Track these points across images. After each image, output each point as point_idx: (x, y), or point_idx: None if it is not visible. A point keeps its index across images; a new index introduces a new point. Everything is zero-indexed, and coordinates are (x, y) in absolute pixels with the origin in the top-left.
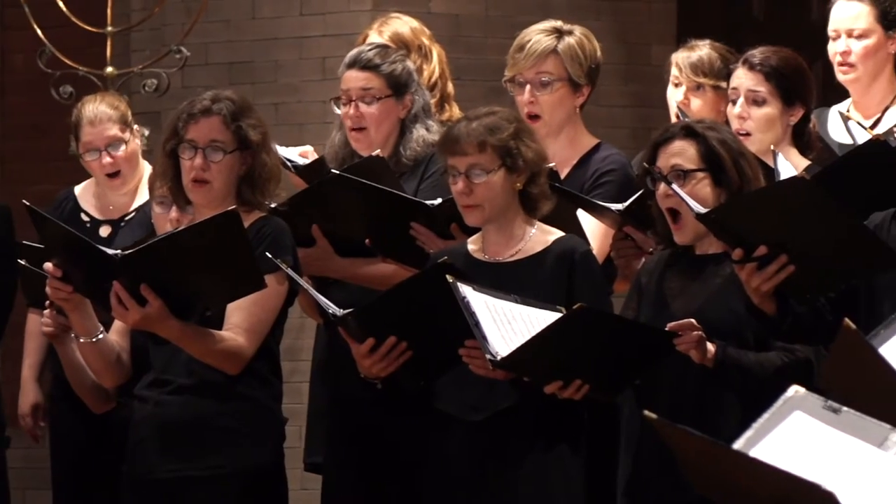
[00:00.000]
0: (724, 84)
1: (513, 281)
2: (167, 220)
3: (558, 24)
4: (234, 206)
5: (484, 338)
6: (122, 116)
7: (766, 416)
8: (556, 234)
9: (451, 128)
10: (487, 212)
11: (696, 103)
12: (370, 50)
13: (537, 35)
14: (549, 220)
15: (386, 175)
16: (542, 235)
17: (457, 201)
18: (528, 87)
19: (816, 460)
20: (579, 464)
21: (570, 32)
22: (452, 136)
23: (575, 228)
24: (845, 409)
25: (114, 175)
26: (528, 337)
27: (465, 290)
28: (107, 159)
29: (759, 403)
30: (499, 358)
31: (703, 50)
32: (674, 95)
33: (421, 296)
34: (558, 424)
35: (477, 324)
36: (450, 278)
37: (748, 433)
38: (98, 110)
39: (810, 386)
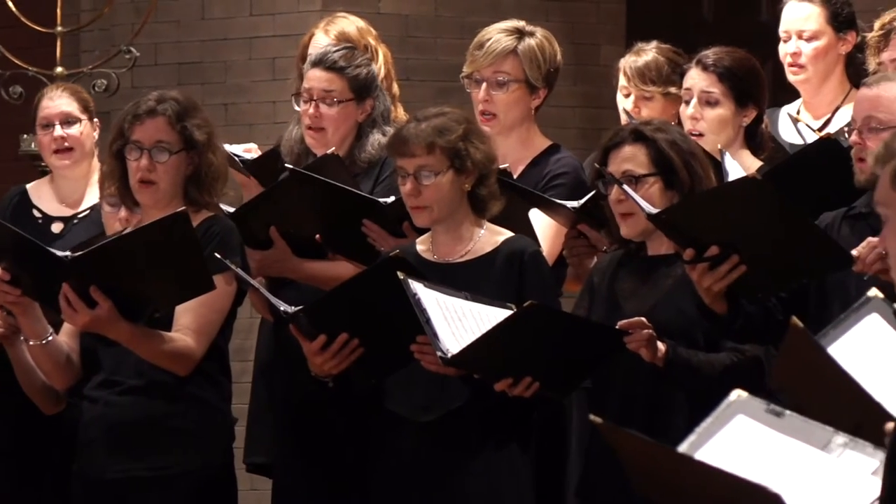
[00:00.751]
0: (673, 89)
1: (462, 282)
2: (116, 220)
3: (521, 24)
4: (183, 208)
5: (435, 335)
6: (83, 100)
7: (709, 419)
8: (506, 234)
9: (400, 129)
10: (436, 213)
11: (646, 112)
12: (336, 51)
13: (498, 34)
14: (500, 221)
15: (341, 173)
16: (491, 236)
17: (405, 202)
18: (484, 85)
19: (760, 463)
20: (529, 462)
21: (531, 34)
22: (401, 138)
23: (526, 228)
24: (788, 412)
25: (63, 151)
26: (479, 333)
27: (416, 287)
28: (58, 131)
29: (708, 404)
30: (449, 355)
31: (649, 55)
32: (623, 103)
33: (372, 291)
34: (508, 424)
35: (428, 321)
36: (401, 275)
37: (691, 437)
38: (59, 91)
39: (761, 386)
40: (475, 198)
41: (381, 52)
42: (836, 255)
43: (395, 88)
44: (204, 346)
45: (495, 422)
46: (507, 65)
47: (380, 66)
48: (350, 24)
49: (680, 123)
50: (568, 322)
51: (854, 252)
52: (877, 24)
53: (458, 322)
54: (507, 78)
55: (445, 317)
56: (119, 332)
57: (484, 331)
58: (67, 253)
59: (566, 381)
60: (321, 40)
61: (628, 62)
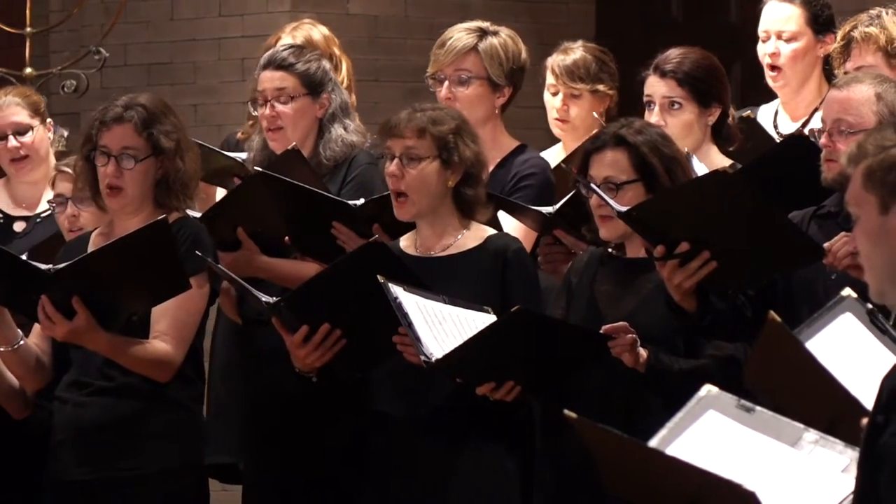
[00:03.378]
0: (601, 87)
1: (444, 275)
2: (65, 217)
3: (485, 24)
4: (163, 216)
5: (417, 339)
6: (32, 104)
7: (679, 414)
8: (490, 231)
9: (396, 114)
10: (417, 205)
11: (575, 111)
12: (284, 50)
13: (459, 33)
14: None
15: (304, 167)
16: (475, 232)
17: (388, 186)
18: (446, 82)
19: (731, 459)
20: (516, 462)
21: (494, 33)
22: (394, 120)
23: (496, 230)
24: (759, 408)
25: (20, 160)
26: (459, 337)
27: (397, 291)
28: (13, 142)
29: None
30: (433, 359)
31: (577, 53)
32: (551, 101)
33: (352, 279)
34: (494, 421)
35: (410, 324)
36: (381, 278)
37: (662, 432)
38: (7, 98)
39: (739, 387)
40: (461, 198)
41: (345, 63)
42: (808, 248)
43: (353, 98)
44: (183, 350)
45: (481, 419)
46: (468, 62)
47: (343, 77)
48: (316, 31)
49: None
50: (554, 327)
51: (826, 245)
52: (839, 35)
53: (439, 325)
54: (469, 75)
55: (426, 320)
56: (98, 342)
57: (464, 333)
58: (49, 266)
59: (547, 386)
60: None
61: (556, 60)
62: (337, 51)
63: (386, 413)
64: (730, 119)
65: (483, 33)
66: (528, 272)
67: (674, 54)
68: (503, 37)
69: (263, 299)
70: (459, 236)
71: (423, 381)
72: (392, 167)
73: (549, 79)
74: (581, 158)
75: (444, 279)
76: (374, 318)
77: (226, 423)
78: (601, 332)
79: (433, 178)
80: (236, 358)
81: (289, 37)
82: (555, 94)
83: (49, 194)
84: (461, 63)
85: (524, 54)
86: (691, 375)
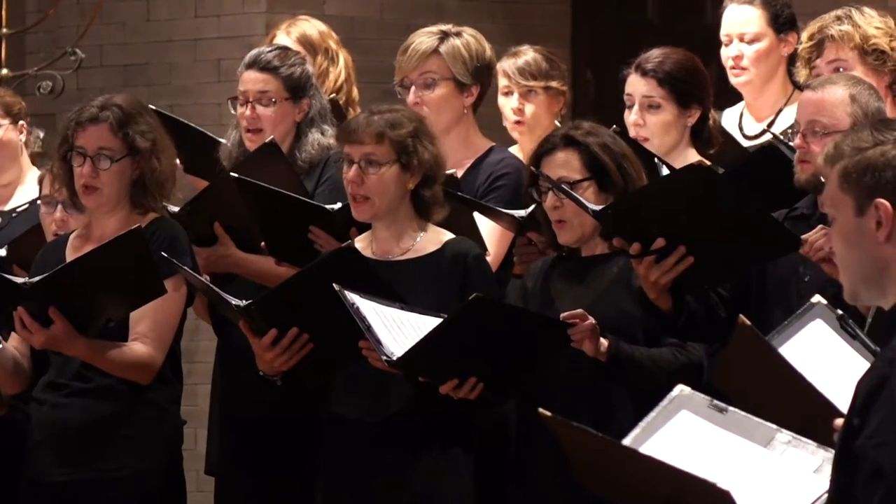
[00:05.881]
0: (554, 84)
1: (404, 280)
2: (52, 220)
3: (447, 27)
4: (137, 225)
5: (378, 342)
6: (4, 105)
7: (652, 414)
8: (448, 235)
9: (353, 118)
10: (376, 206)
11: (531, 108)
12: (270, 52)
13: (420, 37)
14: (447, 224)
15: (281, 162)
16: (433, 236)
17: (347, 191)
18: (413, 87)
19: (703, 459)
20: (470, 463)
21: (457, 34)
22: (352, 125)
23: (473, 232)
24: (731, 408)
25: None
26: (418, 339)
27: (354, 298)
28: None
29: (652, 398)
30: (394, 358)
31: (527, 54)
32: (507, 104)
33: (322, 283)
34: (450, 425)
35: (369, 328)
36: (336, 286)
37: (635, 431)
38: None
39: (699, 387)
40: (418, 199)
41: (342, 56)
42: (785, 239)
43: (355, 92)
44: (163, 352)
45: (438, 423)
46: (431, 65)
47: (340, 70)
48: (312, 27)
49: (564, 120)
50: (512, 315)
51: (804, 236)
52: (805, 36)
53: (398, 329)
54: (434, 77)
55: (385, 325)
56: (76, 349)
57: (423, 335)
58: (25, 280)
59: (510, 382)
60: (282, 42)
61: (507, 63)
62: (334, 45)
63: (342, 416)
64: (710, 122)
65: (444, 35)
66: (487, 277)
67: (656, 54)
68: (465, 37)
69: (233, 303)
70: (418, 239)
71: (382, 386)
72: (351, 173)
73: (502, 81)
74: (532, 162)
75: (403, 283)
76: (341, 323)
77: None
78: (560, 318)
79: (393, 183)
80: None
81: (284, 34)
82: (508, 95)
83: (21, 193)
84: (425, 66)
85: (488, 52)
86: (654, 363)
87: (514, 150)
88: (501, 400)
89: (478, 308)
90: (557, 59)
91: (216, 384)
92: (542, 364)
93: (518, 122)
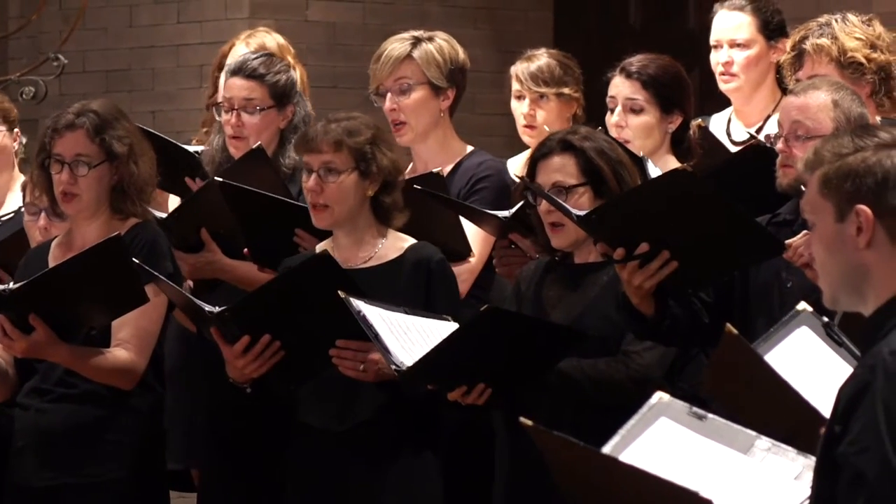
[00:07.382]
0: (566, 90)
1: (365, 287)
2: (37, 228)
3: (419, 33)
4: (117, 233)
5: (386, 350)
6: (0, 110)
7: (631, 421)
8: (409, 241)
9: (311, 127)
10: (336, 214)
11: (542, 114)
12: (255, 59)
13: (392, 44)
14: (432, 227)
15: (266, 167)
16: (394, 242)
17: (307, 199)
18: (388, 94)
19: (683, 467)
20: (439, 467)
21: (429, 39)
22: (310, 134)
23: (458, 234)
24: (710, 415)
25: None
26: (425, 345)
27: (360, 305)
28: None
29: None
30: (404, 367)
31: (541, 59)
32: (518, 108)
33: (300, 291)
34: (418, 433)
35: (376, 336)
36: (342, 294)
37: (615, 439)
38: None
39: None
40: (379, 206)
41: (298, 71)
42: (768, 243)
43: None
44: (145, 358)
45: (406, 431)
46: (405, 70)
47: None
48: (271, 39)
49: (574, 124)
50: (525, 324)
51: (788, 241)
52: (789, 44)
53: (405, 335)
54: (409, 82)
55: (392, 331)
56: (59, 355)
57: (430, 342)
58: (5, 287)
59: (516, 382)
60: (241, 52)
61: (520, 67)
62: (291, 59)
63: (310, 425)
64: (691, 132)
65: (417, 40)
66: (450, 282)
67: (641, 57)
68: (438, 41)
69: (207, 309)
70: (379, 246)
71: (349, 395)
72: (311, 182)
73: (515, 85)
74: (528, 166)
75: (367, 290)
76: (313, 332)
77: (174, 429)
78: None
79: (352, 190)
80: (180, 363)
81: (243, 44)
82: (520, 100)
83: (11, 200)
84: (399, 72)
85: (462, 55)
86: (591, 382)
87: (525, 155)
88: (508, 403)
89: (490, 318)
90: (573, 64)
91: (191, 385)
92: (548, 367)
93: (528, 127)
